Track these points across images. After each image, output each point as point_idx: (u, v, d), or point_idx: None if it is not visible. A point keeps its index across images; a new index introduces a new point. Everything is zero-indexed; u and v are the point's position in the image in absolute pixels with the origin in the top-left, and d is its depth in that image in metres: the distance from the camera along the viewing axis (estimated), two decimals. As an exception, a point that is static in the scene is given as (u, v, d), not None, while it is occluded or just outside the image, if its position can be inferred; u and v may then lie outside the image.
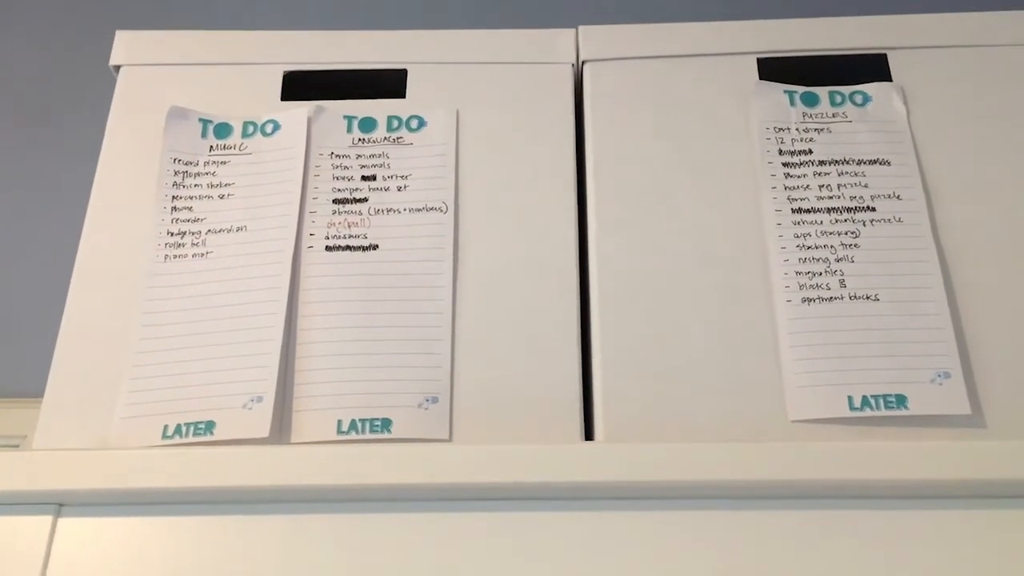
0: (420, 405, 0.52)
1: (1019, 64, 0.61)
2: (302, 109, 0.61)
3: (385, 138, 0.61)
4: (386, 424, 0.52)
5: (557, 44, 0.64)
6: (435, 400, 0.52)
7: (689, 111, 0.61)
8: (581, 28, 0.64)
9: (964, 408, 0.50)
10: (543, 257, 0.57)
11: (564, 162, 0.60)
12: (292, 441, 0.51)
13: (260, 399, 0.51)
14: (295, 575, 0.48)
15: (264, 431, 0.51)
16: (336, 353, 0.53)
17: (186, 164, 0.60)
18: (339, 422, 0.51)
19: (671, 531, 0.49)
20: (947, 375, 0.51)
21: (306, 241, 0.57)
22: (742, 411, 0.52)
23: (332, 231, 0.57)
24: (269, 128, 0.61)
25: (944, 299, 0.53)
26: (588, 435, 0.53)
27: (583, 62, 0.63)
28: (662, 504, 0.50)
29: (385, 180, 0.59)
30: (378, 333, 0.54)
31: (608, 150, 0.60)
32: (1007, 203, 0.56)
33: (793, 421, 0.51)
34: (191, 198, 0.59)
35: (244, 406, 0.51)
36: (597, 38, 0.64)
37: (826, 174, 0.58)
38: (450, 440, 0.52)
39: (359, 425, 0.52)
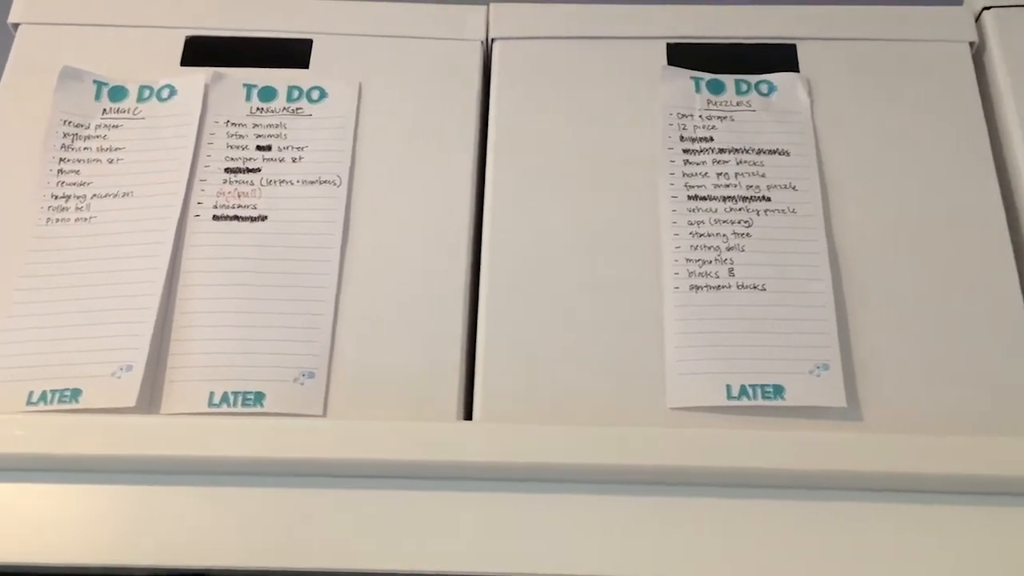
0: (296, 380, 0.51)
1: (926, 60, 0.60)
2: (200, 75, 0.60)
3: (284, 108, 0.60)
4: (259, 398, 0.51)
5: (467, 21, 0.63)
6: (311, 375, 0.51)
7: (595, 94, 0.60)
8: (492, 5, 0.63)
9: (840, 401, 0.50)
10: (436, 235, 0.56)
11: (466, 140, 0.59)
12: (161, 412, 0.50)
13: (130, 368, 0.50)
14: (152, 545, 0.47)
15: (131, 400, 0.49)
16: (214, 324, 0.52)
17: (76, 127, 0.58)
18: (211, 394, 0.50)
19: (542, 513, 0.48)
20: (826, 367, 0.51)
21: (193, 210, 0.56)
22: (623, 397, 0.51)
23: (221, 200, 0.56)
24: (165, 93, 0.60)
25: (830, 291, 0.53)
26: (470, 416, 0.52)
27: (492, 40, 0.63)
28: (534, 486, 0.49)
29: (280, 151, 0.58)
30: (260, 306, 0.53)
31: (510, 130, 0.59)
32: (902, 198, 0.56)
33: (671, 409, 0.51)
34: (79, 161, 0.57)
35: (113, 374, 0.50)
36: (507, 16, 0.63)
37: (725, 162, 0.57)
38: (324, 416, 0.51)
39: (231, 398, 0.50)
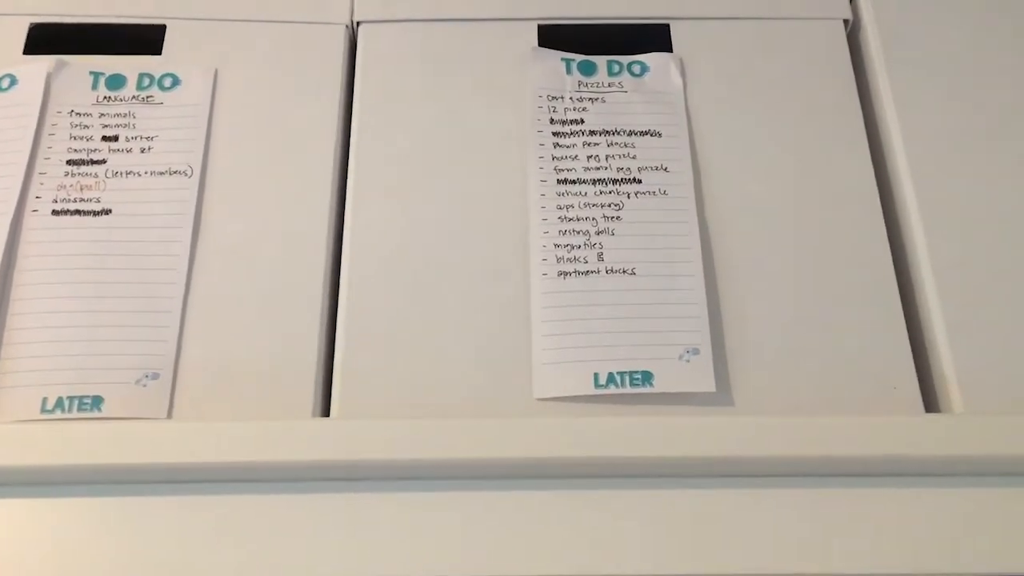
0: (138, 382, 0.48)
1: (800, 37, 0.59)
2: (43, 64, 0.56)
3: (134, 97, 0.56)
4: (97, 402, 0.47)
5: (331, 4, 0.60)
6: (155, 376, 0.48)
7: (464, 77, 0.58)
8: (357, -13, 0.61)
9: (709, 386, 0.48)
10: (294, 225, 0.53)
11: (327, 126, 0.56)
12: (-11, 420, 0.47)
13: (-47, 374, 0.47)
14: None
15: (-48, 409, 0.46)
16: (50, 325, 0.49)
17: (-94, 119, 0.54)
18: (44, 400, 0.47)
19: (400, 511, 0.46)
20: (696, 352, 0.49)
21: (31, 205, 0.52)
22: (489, 388, 0.49)
23: (62, 194, 0.52)
24: (6, 83, 0.56)
25: (700, 274, 0.51)
26: (329, 413, 0.50)
27: (358, 23, 0.60)
28: (393, 484, 0.47)
29: (128, 141, 0.55)
30: (101, 304, 0.50)
31: (375, 115, 0.57)
32: (775, 178, 0.55)
33: (538, 399, 0.49)
34: (-88, 156, 0.53)
35: (-66, 382, 0.46)
36: (373, -1, 0.61)
37: (595, 144, 0.55)
38: (169, 418, 0.48)
39: (66, 403, 0.47)
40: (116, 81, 0.57)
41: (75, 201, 0.52)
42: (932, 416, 0.49)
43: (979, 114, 0.56)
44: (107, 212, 0.52)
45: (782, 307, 0.51)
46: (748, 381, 0.49)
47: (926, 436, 0.47)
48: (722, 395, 0.49)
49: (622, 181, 0.54)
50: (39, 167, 0.53)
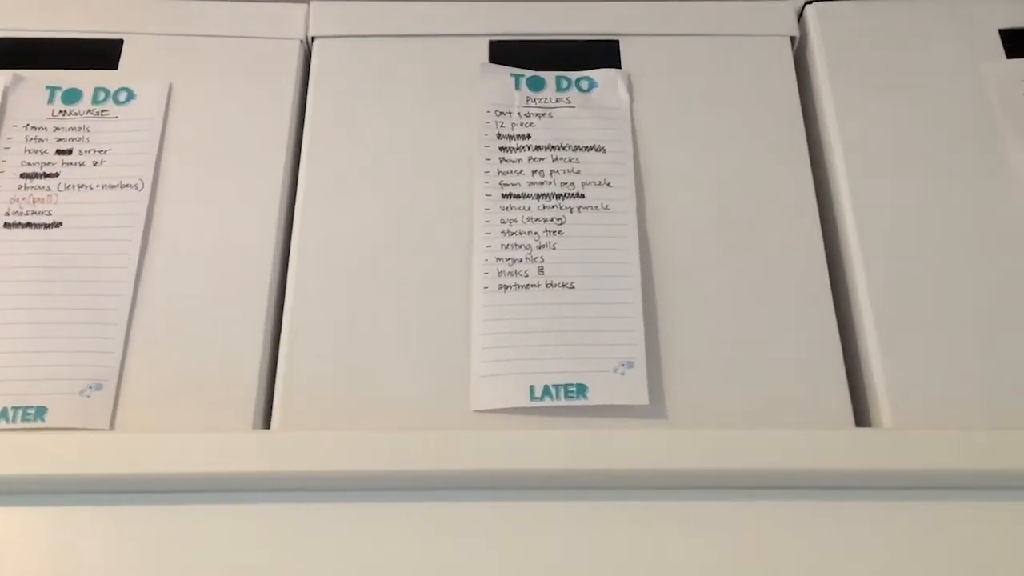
0: (82, 392, 0.49)
1: (746, 54, 0.60)
2: (0, 78, 0.58)
3: (89, 111, 0.57)
4: (40, 412, 0.48)
5: (287, 19, 0.61)
6: (99, 387, 0.49)
7: (415, 91, 0.59)
8: (313, 3, 0.62)
9: (642, 398, 0.49)
10: (242, 239, 0.54)
11: (278, 141, 0.57)
12: (-66, 430, 0.48)
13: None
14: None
15: (-103, 419, 0.47)
16: (-3, 337, 0.50)
17: None
18: (-11, 410, 0.48)
19: (338, 522, 0.46)
20: (630, 365, 0.50)
21: (-17, 217, 0.54)
22: (429, 401, 0.50)
23: (15, 207, 0.53)
24: (-37, 98, 0.57)
25: (638, 288, 0.52)
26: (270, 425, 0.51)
27: (313, 38, 0.61)
28: (332, 496, 0.47)
29: (82, 155, 0.56)
30: (48, 316, 0.50)
31: (325, 130, 0.58)
32: (716, 193, 0.55)
33: (475, 411, 0.49)
34: None
35: None
36: (328, 14, 0.61)
37: (541, 159, 0.56)
38: (111, 429, 0.49)
39: (11, 413, 0.48)
40: (72, 95, 0.58)
41: (27, 214, 0.53)
42: (860, 430, 0.49)
43: (920, 131, 0.57)
44: (58, 225, 0.53)
45: (719, 321, 0.52)
46: (683, 394, 0.50)
47: (854, 450, 0.48)
48: (656, 407, 0.50)
49: (565, 196, 0.55)
50: (-7, 180, 0.55)
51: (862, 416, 0.50)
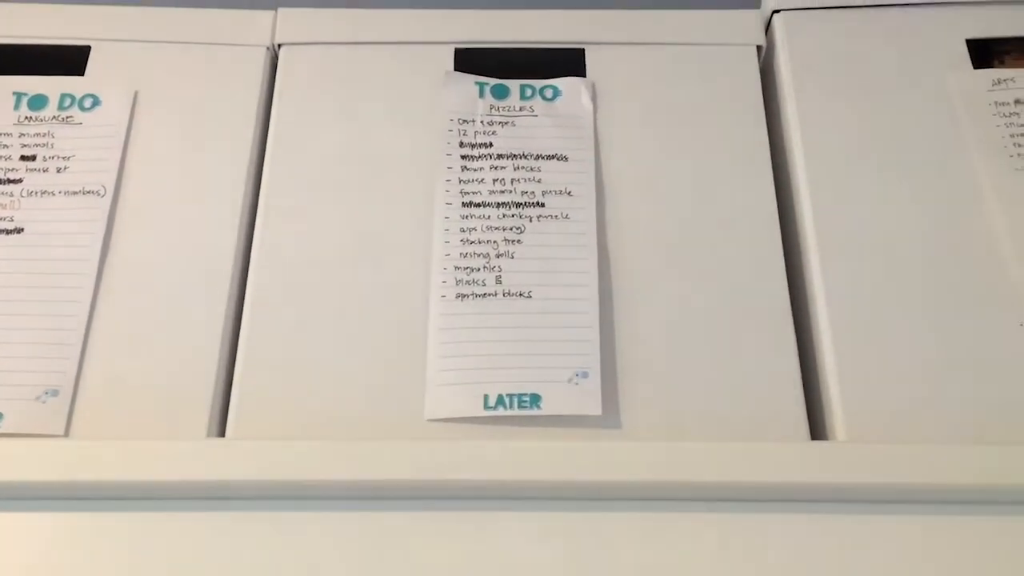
0: (38, 398, 0.49)
1: (712, 63, 0.60)
2: (-34, 84, 0.58)
3: (54, 117, 0.57)
4: (-5, 418, 0.49)
5: (253, 26, 0.61)
6: (55, 393, 0.49)
7: (379, 99, 0.59)
8: (280, 10, 0.62)
9: (595, 409, 0.49)
10: (202, 245, 0.54)
11: (241, 148, 0.57)
12: None
13: None
14: None
15: None
16: (-46, 342, 0.50)
17: None
18: (-56, 415, 0.49)
19: (290, 531, 0.47)
20: (585, 375, 0.50)
21: (-55, 223, 0.54)
22: (383, 409, 0.50)
23: (-23, 213, 0.54)
24: (-71, 104, 0.58)
25: (595, 298, 0.52)
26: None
27: (279, 46, 0.61)
28: (283, 504, 0.47)
29: (45, 161, 0.56)
30: (6, 322, 0.51)
31: (288, 137, 0.58)
32: (677, 203, 0.55)
33: (429, 420, 0.50)
34: None
35: None
36: (295, 21, 0.61)
37: (502, 168, 0.56)
38: (66, 436, 0.49)
39: (-34, 418, 0.49)
40: (38, 101, 0.58)
41: (-11, 220, 0.54)
42: (813, 444, 0.49)
43: (885, 142, 0.57)
44: (19, 231, 0.54)
45: (676, 332, 0.52)
46: (638, 405, 0.50)
47: (809, 463, 0.48)
48: (611, 418, 0.50)
49: (526, 204, 0.55)
50: (-44, 186, 0.55)
51: (817, 429, 0.50)
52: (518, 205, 0.55)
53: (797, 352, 0.51)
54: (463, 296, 0.52)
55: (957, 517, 0.47)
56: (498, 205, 0.55)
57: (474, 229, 0.54)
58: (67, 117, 0.58)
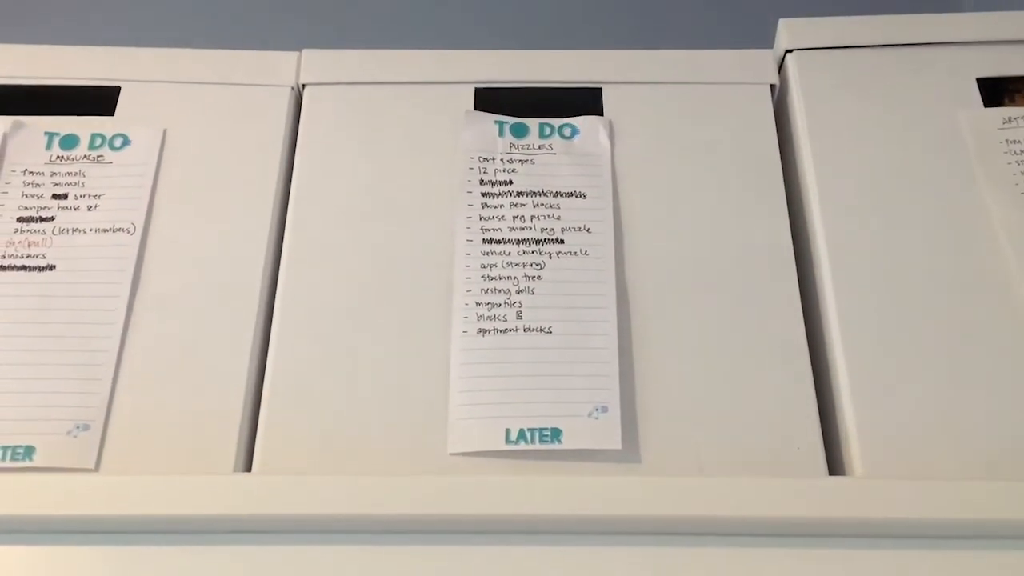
0: (69, 433, 0.50)
1: (727, 102, 0.61)
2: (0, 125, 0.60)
3: (85, 156, 0.59)
4: (29, 452, 0.49)
5: (278, 67, 0.63)
6: (86, 428, 0.50)
7: (401, 138, 0.60)
8: (304, 52, 0.64)
9: (615, 443, 0.49)
10: (229, 282, 0.55)
11: (267, 186, 0.59)
12: (-75, 469, 0.49)
13: None
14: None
15: None
16: (-12, 377, 0.52)
17: None
18: (-22, 449, 0.50)
19: (316, 565, 0.48)
20: (604, 409, 0.50)
21: (-20, 260, 0.55)
22: (406, 444, 0.51)
23: (10, 250, 0.55)
24: (-35, 144, 0.59)
25: (614, 333, 0.53)
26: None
27: (304, 86, 0.63)
28: (310, 538, 0.48)
29: (77, 199, 0.57)
30: (37, 357, 0.52)
31: (312, 174, 0.59)
32: (695, 240, 0.56)
33: (452, 454, 0.50)
34: None
35: None
36: (319, 62, 0.63)
37: (522, 205, 0.57)
38: (96, 470, 0.50)
39: (0, 453, 0.50)
40: (69, 141, 0.60)
41: (22, 257, 0.55)
42: (833, 479, 0.50)
43: (897, 180, 0.58)
44: (51, 268, 0.55)
45: (695, 368, 0.53)
46: (657, 440, 0.51)
47: (826, 498, 0.48)
48: (630, 453, 0.50)
49: (545, 241, 0.56)
50: (-9, 224, 0.56)
51: (835, 464, 0.51)
52: (538, 242, 0.56)
53: (814, 387, 0.52)
54: (484, 331, 0.53)
55: (973, 552, 0.47)
56: (518, 242, 0.56)
57: (495, 265, 0.55)
58: (98, 156, 0.59)
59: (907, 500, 0.47)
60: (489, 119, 0.61)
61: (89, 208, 0.57)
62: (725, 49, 0.63)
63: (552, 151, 0.59)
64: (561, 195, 0.58)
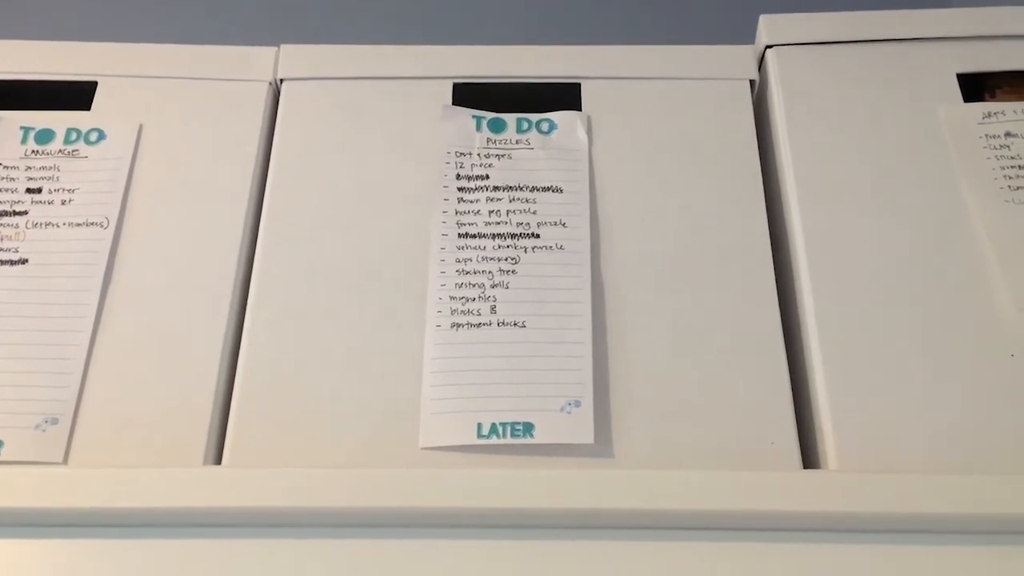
0: (38, 427, 0.50)
1: (706, 97, 0.61)
2: (-25, 119, 0.60)
3: (60, 151, 0.59)
4: (-4, 446, 0.49)
5: (256, 62, 0.63)
6: (55, 421, 0.50)
7: (378, 133, 0.60)
8: (283, 47, 0.63)
9: (588, 437, 0.49)
10: (202, 276, 0.55)
11: (243, 180, 0.58)
12: None
13: None
14: None
15: None
16: (-42, 371, 0.51)
17: None
18: (-55, 442, 0.49)
19: (286, 558, 0.47)
20: (577, 404, 0.50)
21: (-48, 254, 0.55)
22: (379, 437, 0.50)
23: (-17, 244, 0.55)
24: (-61, 138, 0.59)
25: (588, 327, 0.52)
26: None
27: (281, 81, 0.63)
28: (279, 531, 0.48)
29: (51, 193, 0.57)
30: (9, 351, 0.52)
31: (289, 169, 0.59)
32: (671, 234, 0.56)
33: (423, 448, 0.50)
34: None
35: None
36: (297, 57, 0.63)
37: (498, 199, 0.57)
38: (64, 463, 0.50)
39: (-33, 446, 0.49)
40: (45, 135, 0.59)
41: (-6, 251, 0.55)
42: (807, 472, 0.49)
43: (876, 175, 0.57)
44: (24, 262, 0.55)
45: (669, 362, 0.52)
46: (631, 434, 0.50)
47: (801, 492, 0.48)
48: (603, 447, 0.50)
49: (521, 236, 0.56)
50: (-36, 218, 0.56)
51: (810, 458, 0.50)
52: (513, 236, 0.56)
53: (789, 381, 0.52)
54: (458, 326, 0.53)
55: (948, 547, 0.46)
56: (493, 236, 0.56)
57: (470, 260, 0.55)
58: (73, 151, 0.59)
59: (882, 494, 0.47)
60: (467, 114, 0.60)
61: (63, 202, 0.57)
62: (705, 45, 0.63)
63: (530, 146, 0.59)
64: (537, 189, 0.57)
